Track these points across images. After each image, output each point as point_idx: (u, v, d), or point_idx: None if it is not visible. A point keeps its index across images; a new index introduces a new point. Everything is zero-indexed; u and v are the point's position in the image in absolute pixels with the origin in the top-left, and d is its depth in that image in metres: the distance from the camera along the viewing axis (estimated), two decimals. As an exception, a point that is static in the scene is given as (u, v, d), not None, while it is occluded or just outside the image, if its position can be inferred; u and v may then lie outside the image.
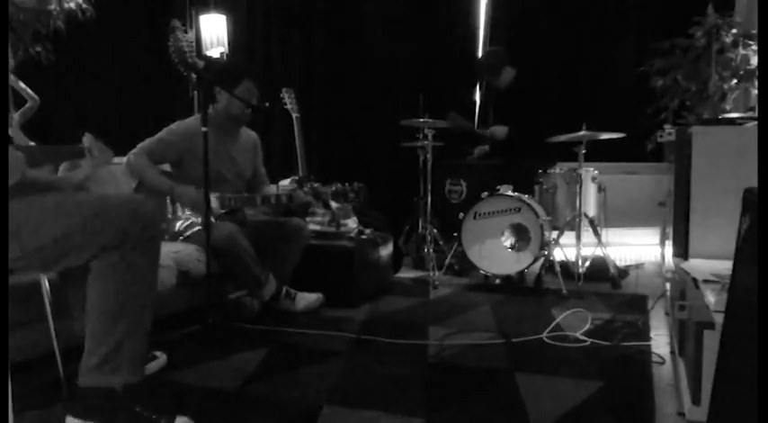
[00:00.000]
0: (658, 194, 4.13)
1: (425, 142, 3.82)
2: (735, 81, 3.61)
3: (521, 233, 3.48)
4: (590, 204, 3.74)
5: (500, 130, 4.10)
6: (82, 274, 1.59)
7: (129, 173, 2.81)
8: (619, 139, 3.46)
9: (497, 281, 3.56)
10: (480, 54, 4.98)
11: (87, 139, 1.84)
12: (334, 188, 2.92)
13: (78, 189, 1.79)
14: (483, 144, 4.37)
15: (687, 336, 1.87)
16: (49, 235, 1.49)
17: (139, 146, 2.79)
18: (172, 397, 1.95)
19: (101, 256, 1.53)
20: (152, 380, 2.05)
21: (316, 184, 2.97)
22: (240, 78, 2.90)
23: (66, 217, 1.51)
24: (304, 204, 2.98)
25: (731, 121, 2.58)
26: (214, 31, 4.12)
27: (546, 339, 2.50)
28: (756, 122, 2.38)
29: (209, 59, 4.03)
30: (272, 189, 3.13)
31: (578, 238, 3.50)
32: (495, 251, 3.51)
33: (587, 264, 3.50)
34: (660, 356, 2.28)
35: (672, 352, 2.30)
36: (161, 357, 2.19)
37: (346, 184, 2.94)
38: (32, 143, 1.83)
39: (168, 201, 2.80)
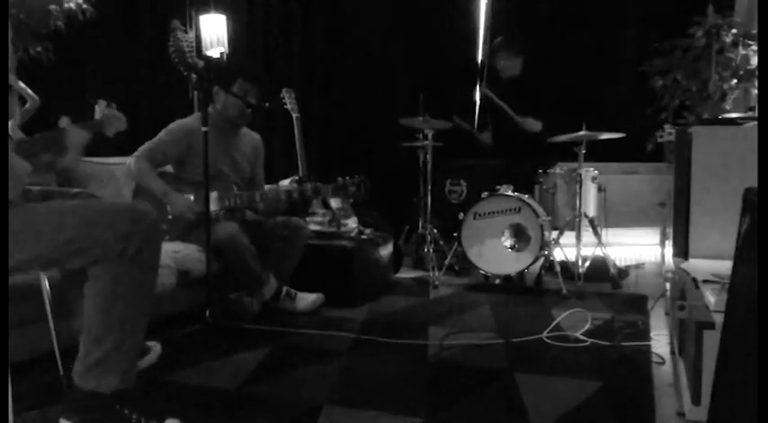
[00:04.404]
0: (658, 194, 4.13)
1: (425, 142, 3.82)
2: (735, 81, 3.61)
3: (521, 233, 3.48)
4: (590, 204, 3.74)
5: (532, 123, 4.02)
6: (82, 274, 1.59)
7: (129, 176, 2.82)
8: (619, 139, 3.46)
9: (497, 281, 3.56)
10: (480, 53, 4.99)
11: (100, 107, 1.87)
12: (334, 184, 2.92)
13: (68, 167, 1.77)
14: (484, 142, 4.32)
15: (687, 336, 1.87)
16: (50, 243, 1.49)
17: (140, 149, 2.78)
18: (171, 397, 1.95)
19: (100, 264, 1.52)
20: (151, 379, 2.06)
21: (317, 184, 2.97)
22: (235, 77, 2.89)
23: (68, 224, 1.50)
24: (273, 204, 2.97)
25: (731, 121, 2.57)
26: (214, 31, 4.12)
27: (546, 339, 2.50)
28: (756, 122, 2.38)
29: (209, 60, 4.03)
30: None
31: (578, 238, 3.50)
32: (495, 251, 3.51)
33: (587, 264, 3.50)
34: (660, 356, 2.28)
35: (672, 352, 2.30)
36: (155, 348, 2.18)
37: (347, 177, 2.93)
38: None
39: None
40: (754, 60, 3.51)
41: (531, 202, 3.54)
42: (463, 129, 4.08)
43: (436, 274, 3.62)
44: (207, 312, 2.39)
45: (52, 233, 1.49)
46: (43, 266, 1.67)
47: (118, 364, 1.55)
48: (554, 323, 2.68)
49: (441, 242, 3.91)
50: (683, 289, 2.01)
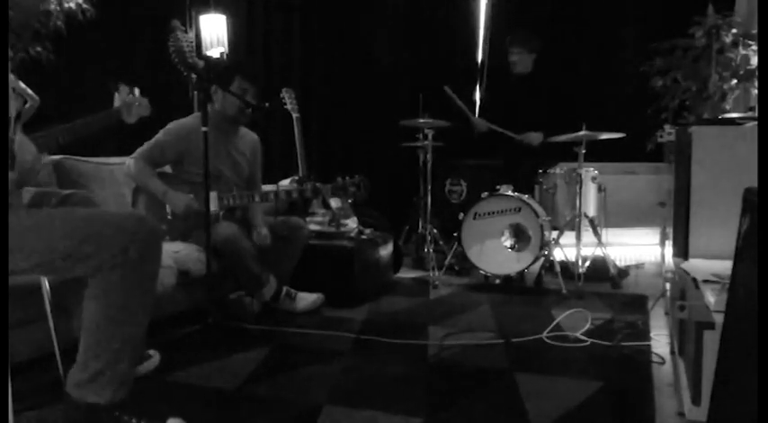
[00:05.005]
0: (658, 194, 4.13)
1: (425, 142, 3.82)
2: (735, 81, 3.60)
3: (521, 233, 3.48)
4: (590, 204, 3.74)
5: (533, 137, 4.02)
6: (82, 276, 1.59)
7: (128, 176, 2.82)
8: (619, 139, 3.46)
9: (497, 281, 3.55)
10: (480, 54, 5.01)
11: (121, 94, 1.89)
12: (333, 183, 2.91)
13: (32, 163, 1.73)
14: (477, 124, 4.27)
15: (687, 336, 1.87)
16: (49, 253, 1.48)
17: (138, 151, 2.78)
18: (171, 397, 1.95)
19: (100, 274, 1.51)
20: (151, 380, 2.06)
21: (316, 184, 2.97)
22: (233, 76, 2.89)
23: (68, 234, 1.49)
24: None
25: (731, 121, 2.57)
26: (214, 31, 4.11)
27: (546, 339, 2.50)
28: (756, 122, 2.38)
29: (209, 60, 4.03)
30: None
31: (578, 238, 3.50)
32: (495, 251, 3.51)
33: (587, 264, 3.50)
34: (660, 356, 2.28)
35: (672, 352, 2.30)
36: (154, 357, 2.17)
37: (346, 177, 2.93)
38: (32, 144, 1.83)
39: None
40: (754, 60, 3.50)
41: (531, 202, 3.54)
42: (454, 103, 4.06)
43: (436, 274, 3.62)
44: (207, 312, 2.39)
45: (50, 243, 1.48)
46: (42, 274, 1.67)
47: (115, 377, 1.54)
48: (554, 323, 2.68)
49: (441, 242, 3.91)
50: (683, 289, 2.01)
